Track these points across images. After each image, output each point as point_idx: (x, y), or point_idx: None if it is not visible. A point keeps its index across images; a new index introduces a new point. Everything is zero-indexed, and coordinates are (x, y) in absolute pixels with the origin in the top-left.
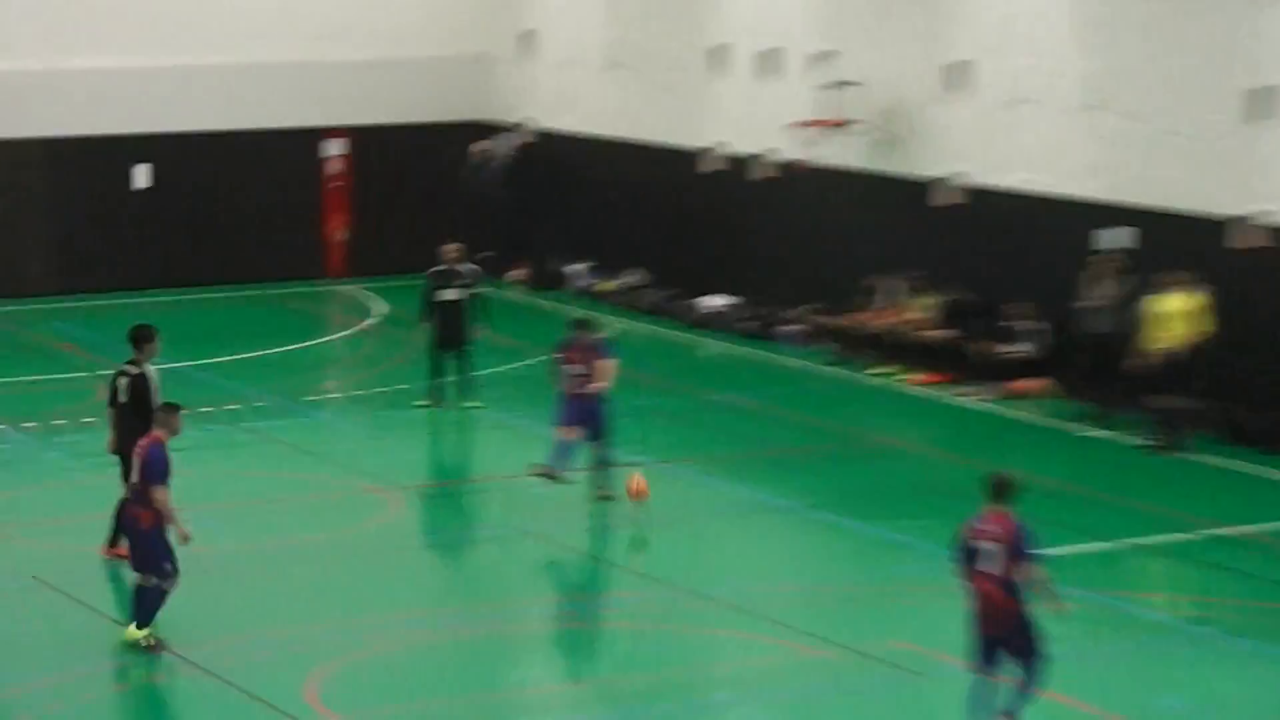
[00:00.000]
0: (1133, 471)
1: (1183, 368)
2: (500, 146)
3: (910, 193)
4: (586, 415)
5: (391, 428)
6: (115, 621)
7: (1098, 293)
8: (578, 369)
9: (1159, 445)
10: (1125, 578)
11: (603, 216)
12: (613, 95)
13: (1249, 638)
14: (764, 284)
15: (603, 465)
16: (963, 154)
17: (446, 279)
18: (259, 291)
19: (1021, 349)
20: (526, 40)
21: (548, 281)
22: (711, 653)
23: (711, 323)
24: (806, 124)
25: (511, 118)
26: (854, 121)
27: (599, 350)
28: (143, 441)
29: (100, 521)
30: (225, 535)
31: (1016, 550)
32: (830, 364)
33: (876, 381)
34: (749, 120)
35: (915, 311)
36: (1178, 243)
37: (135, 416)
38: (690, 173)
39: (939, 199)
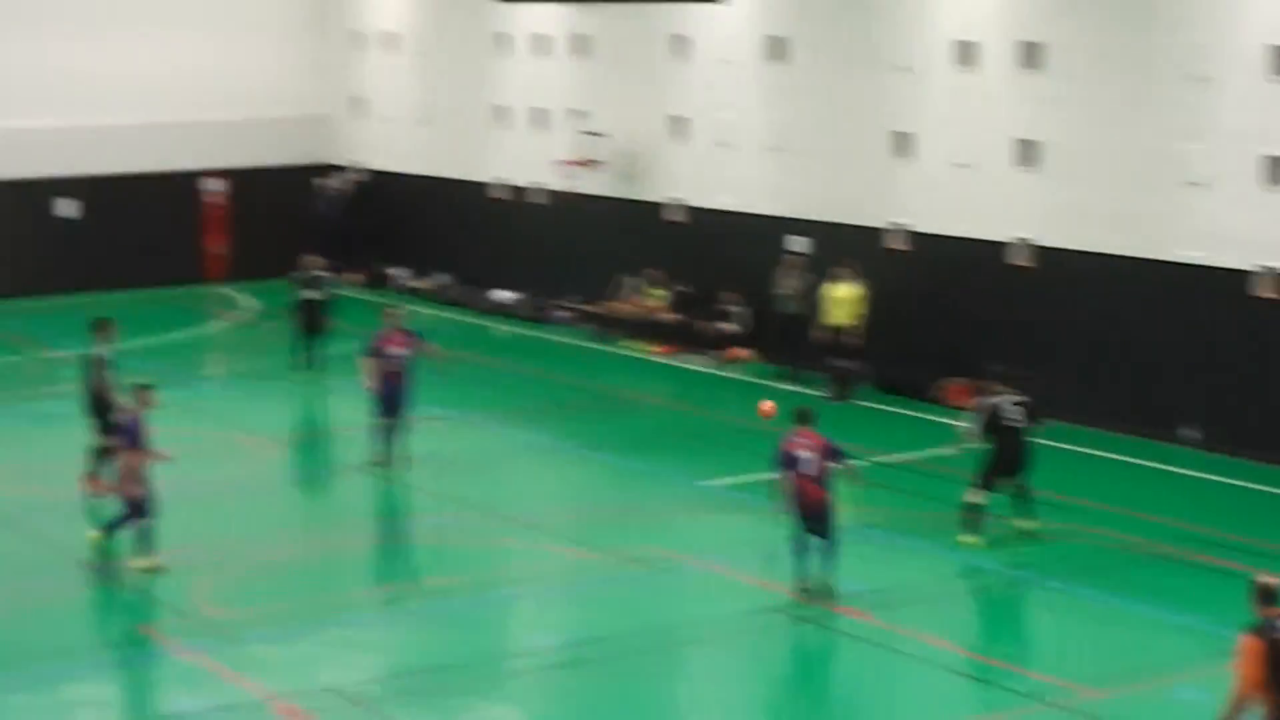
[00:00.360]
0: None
1: (850, 338)
2: (338, 182)
3: (646, 212)
4: (395, 391)
5: (261, 394)
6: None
7: (787, 284)
8: (395, 351)
9: (834, 395)
10: None
11: (417, 233)
12: (423, 142)
13: (908, 536)
14: (539, 281)
15: (395, 432)
16: (683, 183)
17: (308, 283)
18: (156, 292)
19: (732, 326)
20: (357, 102)
21: (377, 282)
22: (503, 559)
23: (500, 311)
24: (567, 163)
25: (347, 161)
26: (602, 161)
27: (411, 335)
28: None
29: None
30: None
31: (826, 455)
32: (591, 340)
33: (625, 353)
34: (524, 160)
35: (653, 300)
36: (845, 246)
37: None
38: (483, 199)
39: (667, 216)
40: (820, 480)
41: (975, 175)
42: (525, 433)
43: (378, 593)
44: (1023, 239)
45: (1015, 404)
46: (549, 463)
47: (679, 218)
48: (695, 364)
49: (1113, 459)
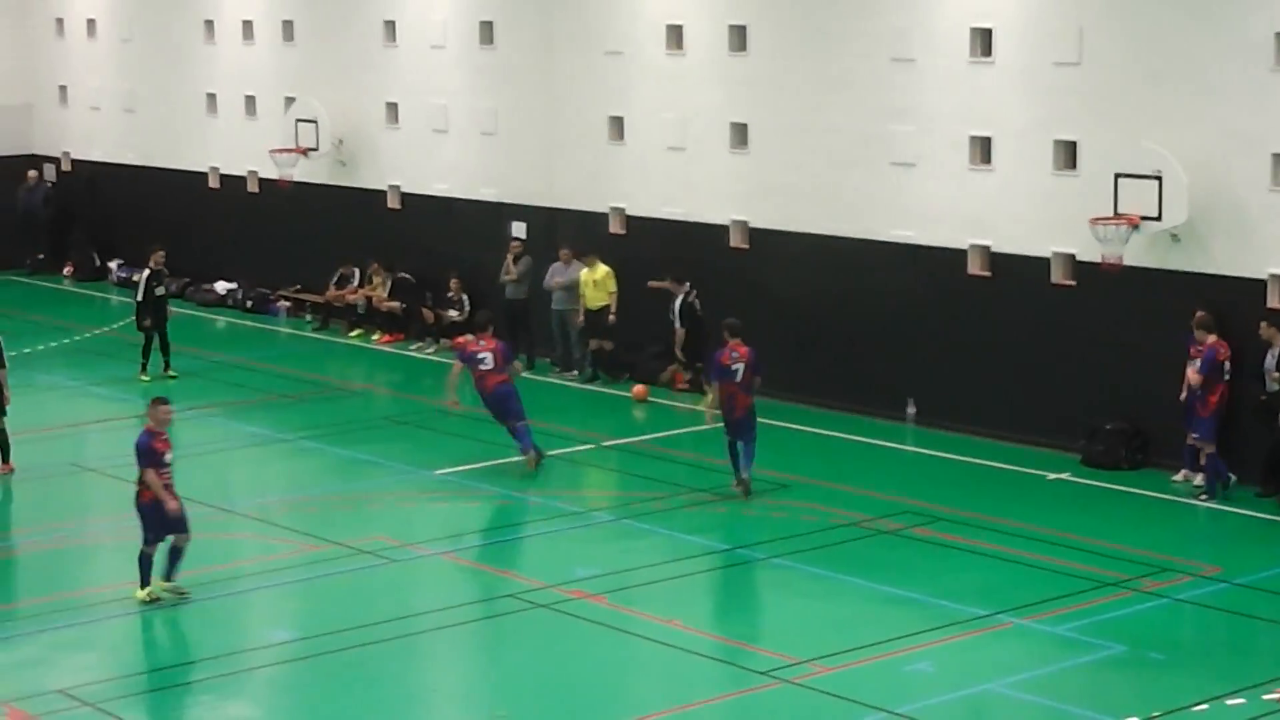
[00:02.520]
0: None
1: (606, 319)
2: (42, 174)
3: (363, 200)
4: None
5: None
6: None
7: (509, 269)
8: None
9: (589, 378)
10: (547, 479)
11: (129, 223)
12: (129, 132)
13: (640, 520)
14: (258, 272)
15: None
16: (399, 170)
17: (159, 278)
18: None
19: (455, 313)
20: (62, 92)
21: (91, 275)
22: (237, 552)
23: (220, 303)
24: (282, 151)
25: (53, 151)
26: (315, 149)
27: None
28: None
29: None
30: None
31: (752, 367)
32: (314, 330)
33: (350, 342)
34: (239, 149)
35: (374, 289)
36: (566, 231)
37: None
38: (200, 188)
39: (387, 204)
40: (745, 387)
41: (687, 157)
42: (249, 425)
43: (105, 591)
44: (736, 220)
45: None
46: (275, 454)
47: (396, 205)
48: (420, 352)
49: (830, 436)
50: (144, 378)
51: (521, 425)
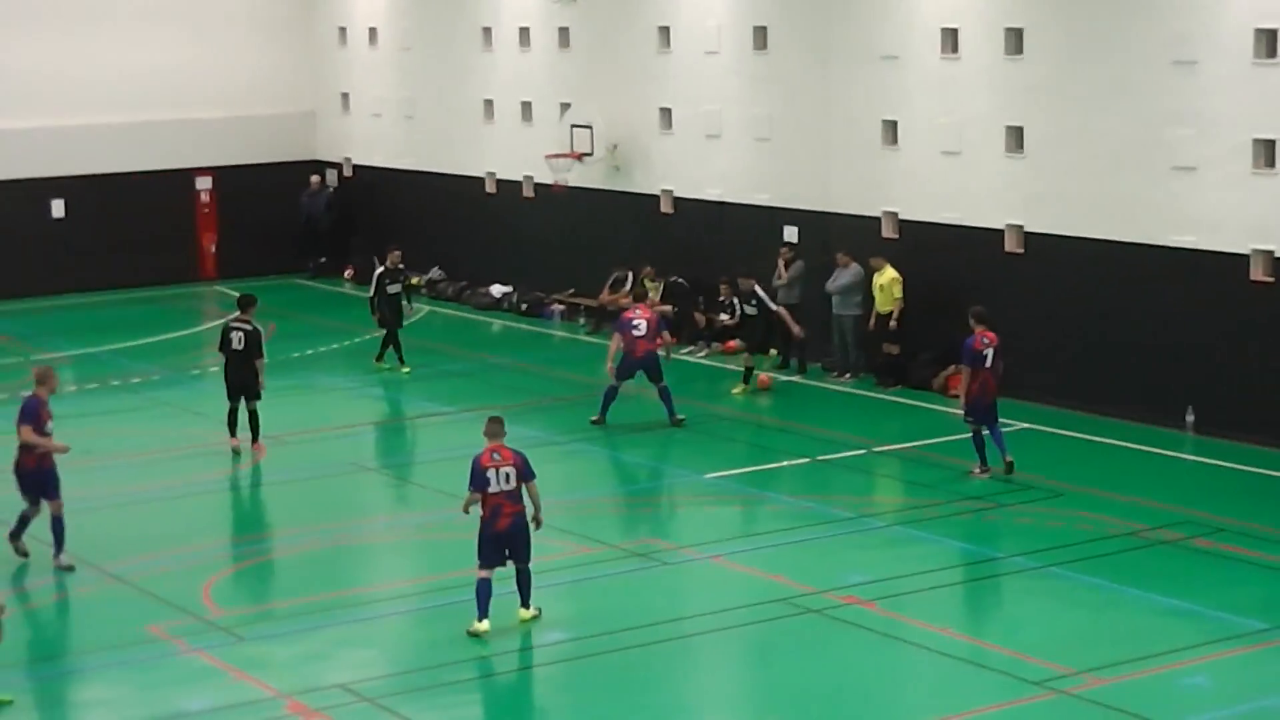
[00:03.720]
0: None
1: (891, 325)
2: (324, 179)
3: (636, 205)
4: None
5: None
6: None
7: (781, 274)
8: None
9: (883, 384)
10: (818, 484)
11: (409, 228)
12: (409, 138)
13: (912, 527)
14: (532, 276)
15: None
16: (672, 175)
17: (393, 276)
18: (151, 293)
19: (724, 318)
20: (344, 99)
21: (367, 279)
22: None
23: (494, 306)
24: (556, 156)
25: (335, 157)
26: (589, 154)
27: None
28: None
29: None
30: (133, 479)
31: (999, 352)
32: (587, 334)
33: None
34: (515, 154)
35: (649, 293)
36: (840, 236)
37: (245, 362)
38: (477, 193)
39: (659, 209)
40: (997, 375)
41: (962, 162)
42: (522, 427)
43: (382, 589)
44: (1012, 224)
45: None
46: (547, 456)
47: (669, 209)
48: (692, 355)
49: (1106, 443)
50: (380, 364)
51: (664, 387)
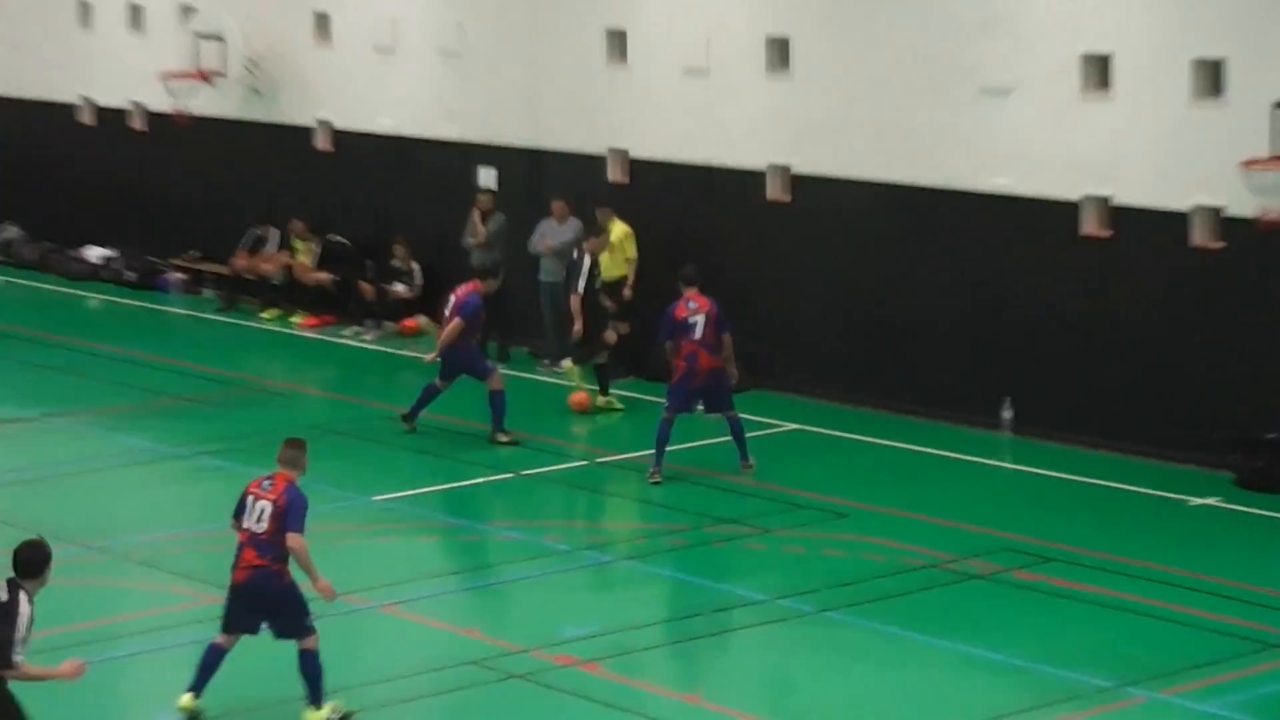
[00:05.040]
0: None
1: (619, 295)
2: None
3: (285, 140)
4: None
5: None
6: None
7: (476, 230)
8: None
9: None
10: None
11: None
12: None
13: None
14: (143, 236)
15: None
16: (331, 102)
17: None
18: None
19: (403, 288)
20: None
21: None
22: (117, 605)
23: (91, 275)
24: (177, 76)
25: None
26: (221, 74)
27: None
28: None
29: None
30: None
31: (718, 322)
32: (218, 311)
33: (266, 327)
34: (119, 73)
35: (298, 257)
36: (556, 180)
37: None
38: (68, 125)
39: (314, 145)
40: (709, 346)
41: (709, 84)
42: (136, 437)
43: None
44: (775, 165)
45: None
46: (167, 475)
47: (327, 146)
48: (358, 339)
49: (898, 448)
50: None
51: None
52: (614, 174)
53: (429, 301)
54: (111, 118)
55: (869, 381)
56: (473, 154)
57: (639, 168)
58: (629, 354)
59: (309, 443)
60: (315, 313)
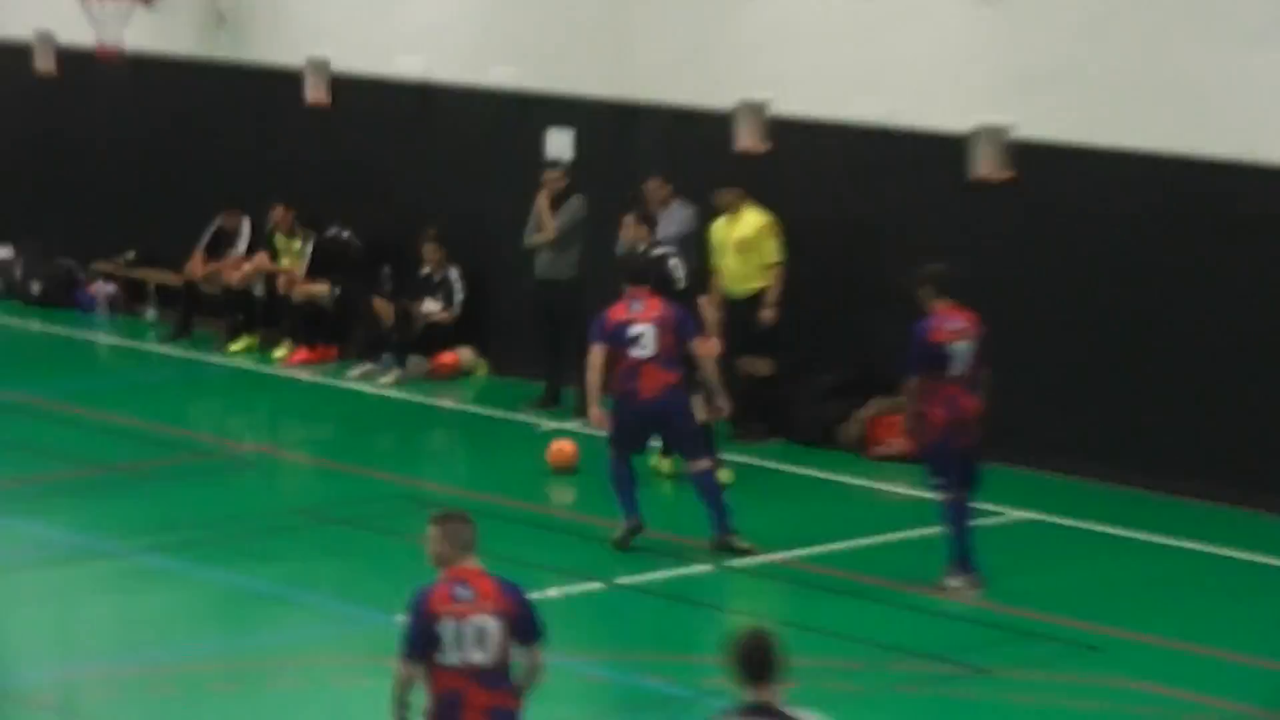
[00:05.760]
0: None
1: (757, 318)
2: None
3: (260, 89)
4: None
5: None
6: None
7: (543, 224)
8: None
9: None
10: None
11: None
12: None
13: None
14: (58, 230)
15: None
16: (326, 37)
17: None
18: None
19: (438, 307)
20: None
21: None
22: None
23: None
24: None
25: None
26: None
27: None
28: None
29: None
30: None
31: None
32: (165, 340)
33: (234, 363)
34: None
35: (284, 258)
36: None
37: None
38: None
39: (304, 96)
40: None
41: None
42: (40, 525)
43: None
44: None
45: None
46: (93, 582)
47: (322, 97)
48: (370, 380)
49: None
50: None
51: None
52: (744, 139)
53: (474, 326)
54: (8, 54)
55: (1136, 448)
56: (537, 111)
57: (781, 130)
58: (772, 404)
59: (295, 533)
60: (306, 343)
